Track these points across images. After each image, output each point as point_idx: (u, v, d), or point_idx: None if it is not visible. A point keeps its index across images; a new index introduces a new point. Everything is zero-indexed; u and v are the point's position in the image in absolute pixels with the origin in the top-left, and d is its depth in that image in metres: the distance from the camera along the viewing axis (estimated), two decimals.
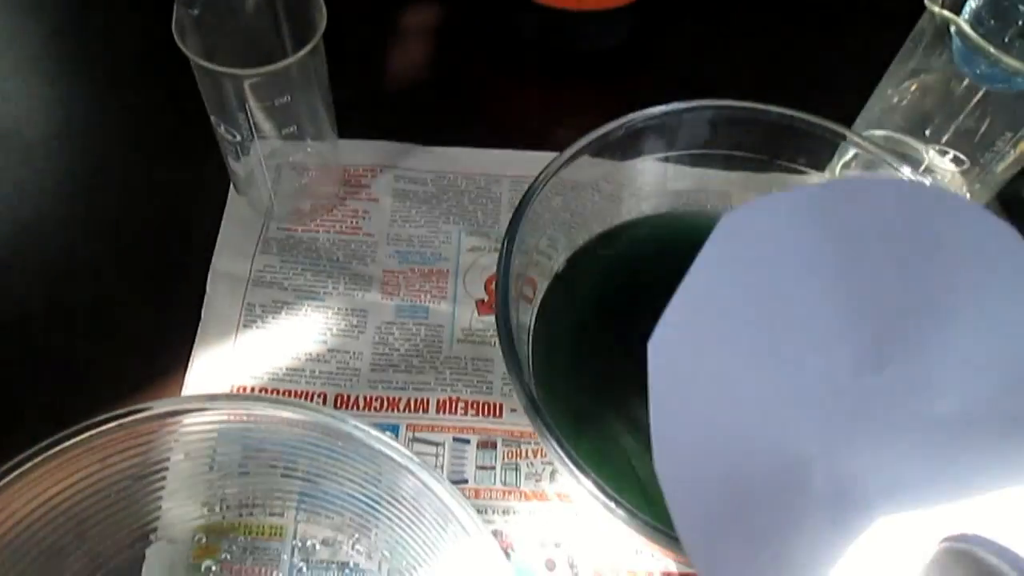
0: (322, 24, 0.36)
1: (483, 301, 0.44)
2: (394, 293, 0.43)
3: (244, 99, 0.37)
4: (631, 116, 0.35)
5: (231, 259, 0.43)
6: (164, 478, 0.35)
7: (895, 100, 0.43)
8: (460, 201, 0.46)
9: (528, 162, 0.47)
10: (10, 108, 0.50)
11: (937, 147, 0.42)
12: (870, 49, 0.43)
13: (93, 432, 0.32)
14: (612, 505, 0.28)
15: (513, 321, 0.33)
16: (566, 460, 0.28)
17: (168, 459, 0.35)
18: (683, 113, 0.36)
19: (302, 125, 0.40)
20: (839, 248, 0.23)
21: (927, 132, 0.42)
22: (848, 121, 0.45)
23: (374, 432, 0.32)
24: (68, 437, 0.32)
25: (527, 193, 0.34)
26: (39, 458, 0.31)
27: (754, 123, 0.37)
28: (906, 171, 0.36)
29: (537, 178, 0.34)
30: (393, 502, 0.34)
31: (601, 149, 0.36)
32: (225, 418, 0.35)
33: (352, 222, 0.45)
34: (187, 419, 0.35)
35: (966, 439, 0.22)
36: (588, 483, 0.28)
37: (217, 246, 0.43)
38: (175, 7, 0.36)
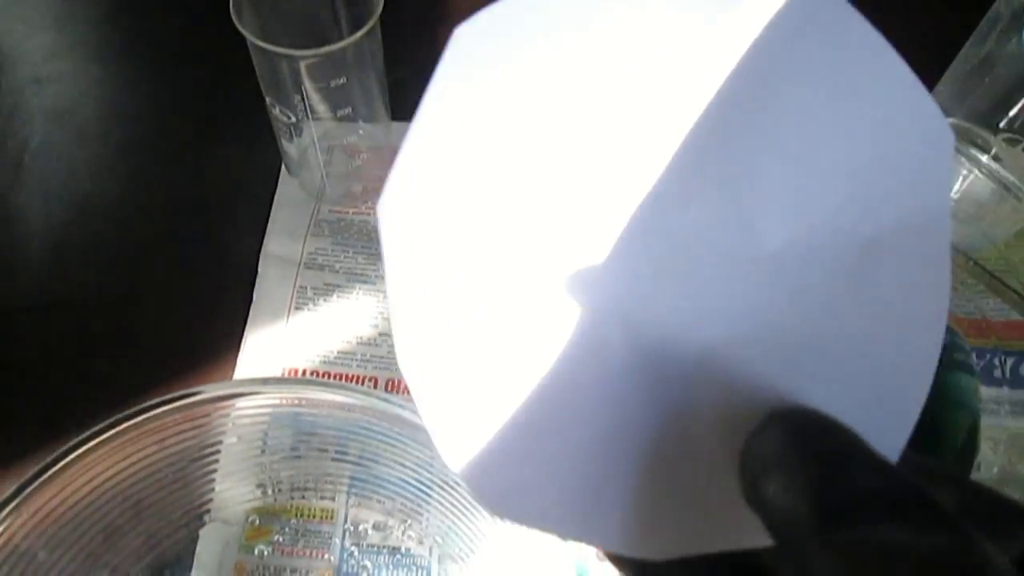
0: (379, 5, 0.36)
1: None
2: None
3: (300, 80, 0.37)
4: None
5: (282, 241, 0.43)
6: (217, 460, 0.36)
7: (965, 86, 0.42)
8: None
9: None
10: (64, 88, 0.50)
11: (1008, 135, 0.41)
12: (941, 31, 0.42)
13: (149, 415, 0.32)
14: None
15: None
16: None
17: (221, 442, 0.35)
18: None
19: (356, 107, 0.39)
20: (625, 44, 0.16)
21: (998, 122, 0.40)
22: None
23: None
24: (124, 420, 0.32)
25: None
26: (97, 440, 0.31)
27: None
28: (976, 158, 0.34)
29: None
30: (446, 487, 0.34)
31: None
32: (277, 401, 0.35)
33: None
34: (239, 403, 0.35)
35: (802, 279, 0.17)
36: None
37: (268, 228, 0.43)
38: None
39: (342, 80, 0.37)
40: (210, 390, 0.34)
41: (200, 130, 0.48)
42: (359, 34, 0.35)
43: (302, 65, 0.36)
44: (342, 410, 0.35)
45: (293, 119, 0.39)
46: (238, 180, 0.46)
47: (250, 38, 0.35)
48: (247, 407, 0.36)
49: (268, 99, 0.39)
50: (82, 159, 0.47)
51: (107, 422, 0.31)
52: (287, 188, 0.45)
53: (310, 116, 0.39)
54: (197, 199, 0.46)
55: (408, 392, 0.16)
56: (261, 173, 0.45)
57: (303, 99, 0.38)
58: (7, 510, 0.28)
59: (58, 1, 0.55)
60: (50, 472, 0.29)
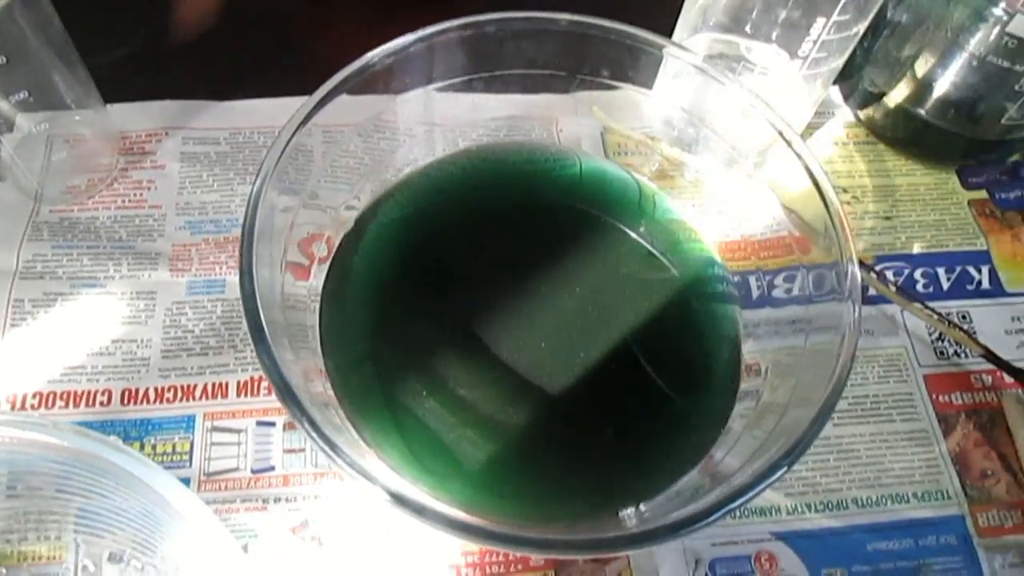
0: None
1: (300, 266, 0.39)
2: (186, 269, 0.38)
3: None
4: (384, 48, 0.31)
5: None
6: None
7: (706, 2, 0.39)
8: (258, 158, 0.42)
9: (346, 105, 0.42)
10: None
11: (761, 43, 0.39)
12: None
13: None
14: (392, 502, 0.24)
15: (276, 286, 0.29)
16: (324, 447, 0.24)
17: None
18: (439, 36, 0.32)
19: (36, 91, 0.35)
20: None
21: (748, 29, 0.38)
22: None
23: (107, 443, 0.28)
24: None
25: (271, 148, 0.29)
26: None
27: (542, 35, 0.33)
28: (733, 76, 0.33)
29: (282, 130, 0.30)
30: (182, 517, 0.30)
31: (364, 86, 0.31)
32: None
33: (135, 195, 0.40)
34: None
35: None
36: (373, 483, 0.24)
37: None
38: None
39: (1, 60, 0.32)
40: None
41: None
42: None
43: None
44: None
45: None
46: None
47: None
48: None
49: None
50: None
51: None
52: None
53: None
54: None
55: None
56: None
57: None
58: None
59: None
60: None
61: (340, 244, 0.34)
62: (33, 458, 0.31)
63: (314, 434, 0.24)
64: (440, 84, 0.35)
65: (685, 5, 0.40)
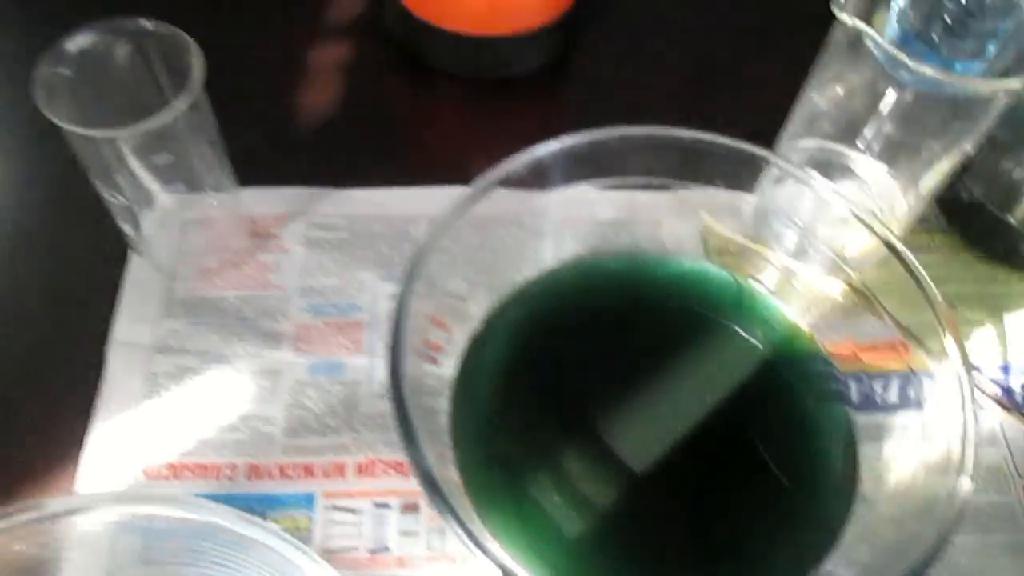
0: (198, 76, 0.34)
1: (421, 352, 0.41)
2: (308, 350, 0.40)
3: (123, 160, 0.35)
4: (532, 151, 0.34)
5: (133, 326, 0.40)
6: None
7: (822, 106, 0.41)
8: (374, 245, 0.44)
9: (449, 198, 0.45)
10: None
11: (867, 156, 0.40)
12: (797, 54, 0.41)
13: None
14: None
15: (414, 375, 0.31)
16: (468, 541, 0.26)
17: (60, 556, 0.33)
18: (587, 144, 0.34)
19: (191, 181, 0.38)
20: None
21: (858, 140, 0.40)
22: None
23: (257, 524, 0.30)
24: None
25: (429, 236, 0.32)
26: None
27: (665, 148, 0.35)
28: (834, 184, 0.34)
29: (440, 219, 0.32)
30: None
31: (512, 181, 0.34)
32: (118, 518, 0.34)
33: (262, 276, 0.43)
34: (76, 517, 0.33)
35: None
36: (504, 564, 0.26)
37: (117, 314, 0.41)
38: (38, 67, 0.34)
39: (167, 157, 0.35)
40: (48, 506, 0.32)
41: (34, 220, 0.45)
42: (176, 108, 0.33)
43: (122, 144, 0.34)
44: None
45: (125, 201, 0.37)
46: (80, 268, 0.43)
47: (61, 124, 0.33)
48: (87, 520, 0.33)
49: (96, 182, 0.37)
50: None
51: None
52: (137, 270, 0.42)
53: (143, 195, 0.37)
54: (32, 292, 0.43)
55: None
56: (106, 257, 0.43)
57: (132, 179, 0.36)
58: None
59: None
60: None
61: (470, 342, 0.36)
62: (168, 530, 0.34)
63: (458, 528, 0.26)
64: (558, 189, 0.37)
65: (794, 113, 0.42)
